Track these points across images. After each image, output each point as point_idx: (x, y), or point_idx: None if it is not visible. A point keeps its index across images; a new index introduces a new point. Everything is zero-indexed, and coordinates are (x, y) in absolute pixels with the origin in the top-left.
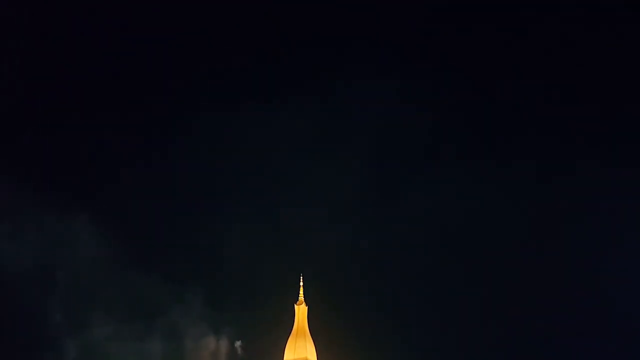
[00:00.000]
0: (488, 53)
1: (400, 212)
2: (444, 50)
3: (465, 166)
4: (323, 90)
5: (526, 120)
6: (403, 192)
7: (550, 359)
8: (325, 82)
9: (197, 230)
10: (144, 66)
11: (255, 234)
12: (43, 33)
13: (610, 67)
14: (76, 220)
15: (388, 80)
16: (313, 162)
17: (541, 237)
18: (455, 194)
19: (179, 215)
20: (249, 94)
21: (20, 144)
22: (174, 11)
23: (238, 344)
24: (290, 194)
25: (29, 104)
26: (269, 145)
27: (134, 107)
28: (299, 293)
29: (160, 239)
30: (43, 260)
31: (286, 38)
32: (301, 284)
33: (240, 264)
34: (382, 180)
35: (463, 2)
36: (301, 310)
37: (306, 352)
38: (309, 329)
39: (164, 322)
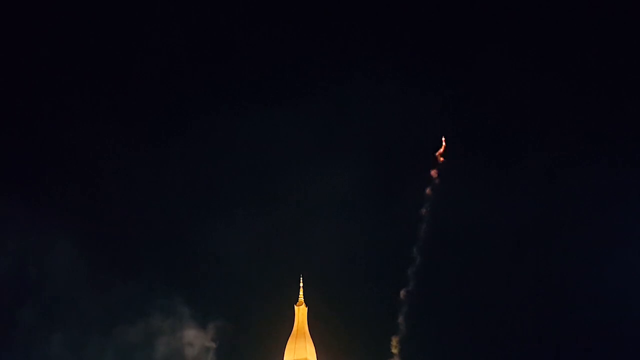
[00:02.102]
0: (491, 53)
1: (401, 212)
2: (447, 51)
3: (468, 167)
4: (324, 91)
5: (530, 120)
6: (404, 193)
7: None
8: (326, 84)
9: (196, 231)
10: (146, 68)
11: (255, 234)
12: (42, 33)
13: (614, 68)
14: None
15: (390, 81)
16: (313, 162)
17: (545, 238)
18: (457, 194)
19: (178, 216)
20: (249, 95)
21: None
22: (177, 13)
23: (212, 345)
24: (290, 194)
25: (18, 105)
26: (268, 145)
27: (131, 110)
28: (298, 294)
29: (159, 240)
30: (21, 266)
31: (288, 39)
32: (301, 284)
33: (239, 264)
34: (383, 181)
35: (464, 2)
36: (301, 311)
37: (306, 353)
38: (309, 330)
39: (159, 323)
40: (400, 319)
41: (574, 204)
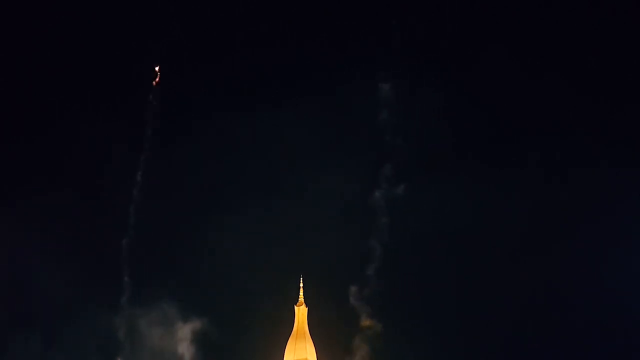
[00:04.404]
0: (491, 54)
1: (403, 212)
2: (450, 52)
3: (470, 167)
4: (323, 92)
5: (532, 120)
6: (406, 193)
7: None
8: (329, 83)
9: (196, 230)
10: (147, 67)
11: (255, 234)
12: (42, 32)
13: (616, 67)
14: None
15: (393, 82)
16: (314, 162)
17: (547, 239)
18: (460, 195)
19: (176, 216)
20: (246, 96)
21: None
22: (178, 11)
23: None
24: (291, 194)
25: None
26: (268, 145)
27: (126, 109)
28: (299, 294)
29: (157, 239)
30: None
31: (292, 38)
32: (301, 284)
33: (239, 264)
34: (384, 181)
35: (466, 4)
36: (301, 312)
37: (306, 354)
38: (309, 330)
39: (158, 324)
40: (402, 320)
41: (571, 204)
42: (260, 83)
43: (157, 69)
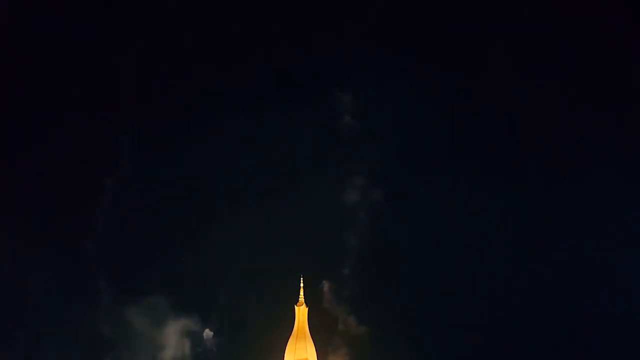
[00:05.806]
0: (493, 57)
1: (403, 213)
2: (450, 53)
3: (468, 170)
4: (324, 94)
5: (531, 124)
6: (406, 194)
7: None
8: (327, 86)
9: (195, 230)
10: (148, 69)
11: (255, 233)
12: (43, 32)
13: (617, 70)
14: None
15: (393, 82)
16: (315, 162)
17: (546, 243)
18: (459, 197)
19: (175, 216)
20: (245, 97)
21: None
22: (180, 11)
23: (208, 332)
24: (292, 194)
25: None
26: (270, 145)
27: (131, 110)
28: (299, 294)
29: (156, 240)
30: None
31: (293, 37)
32: (301, 284)
33: (239, 264)
34: (384, 182)
35: (465, 4)
36: (301, 312)
37: (306, 354)
38: (310, 330)
39: (159, 325)
40: (402, 320)
41: (572, 208)
42: (258, 85)
43: None
